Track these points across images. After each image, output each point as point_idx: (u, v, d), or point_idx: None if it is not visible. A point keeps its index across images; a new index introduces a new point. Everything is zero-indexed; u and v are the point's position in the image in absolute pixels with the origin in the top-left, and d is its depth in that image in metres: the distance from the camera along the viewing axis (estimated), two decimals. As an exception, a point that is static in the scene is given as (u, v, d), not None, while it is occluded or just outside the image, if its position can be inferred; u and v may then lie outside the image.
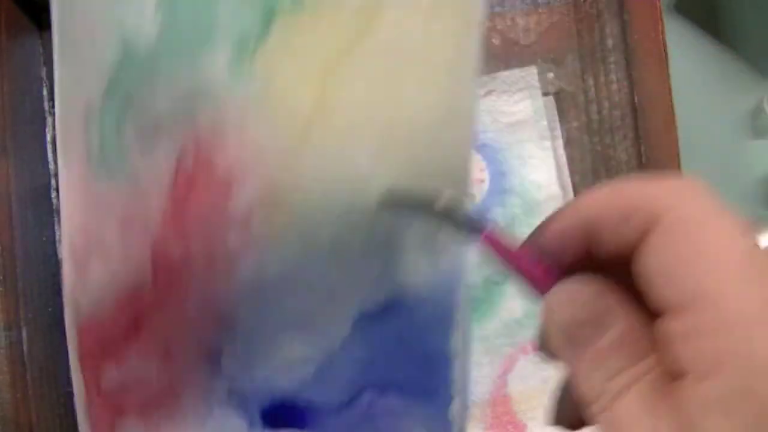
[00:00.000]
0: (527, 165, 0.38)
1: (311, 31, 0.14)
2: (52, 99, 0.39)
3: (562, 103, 0.39)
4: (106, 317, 0.17)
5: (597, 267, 0.16)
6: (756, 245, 0.13)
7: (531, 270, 0.17)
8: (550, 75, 0.39)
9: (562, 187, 0.38)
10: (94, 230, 0.17)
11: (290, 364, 0.15)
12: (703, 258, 0.13)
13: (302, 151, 0.15)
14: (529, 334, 0.37)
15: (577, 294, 0.15)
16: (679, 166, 0.34)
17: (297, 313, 0.15)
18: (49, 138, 0.38)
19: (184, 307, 0.16)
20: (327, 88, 0.14)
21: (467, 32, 0.15)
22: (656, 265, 0.14)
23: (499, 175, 0.38)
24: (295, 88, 0.15)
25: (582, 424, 0.18)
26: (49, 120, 0.38)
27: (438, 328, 0.16)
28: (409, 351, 0.16)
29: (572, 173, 0.39)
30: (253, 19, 0.14)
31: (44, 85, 0.39)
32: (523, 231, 0.37)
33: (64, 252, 0.18)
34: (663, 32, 0.34)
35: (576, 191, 0.38)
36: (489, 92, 0.38)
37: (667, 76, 0.34)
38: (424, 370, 0.16)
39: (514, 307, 0.37)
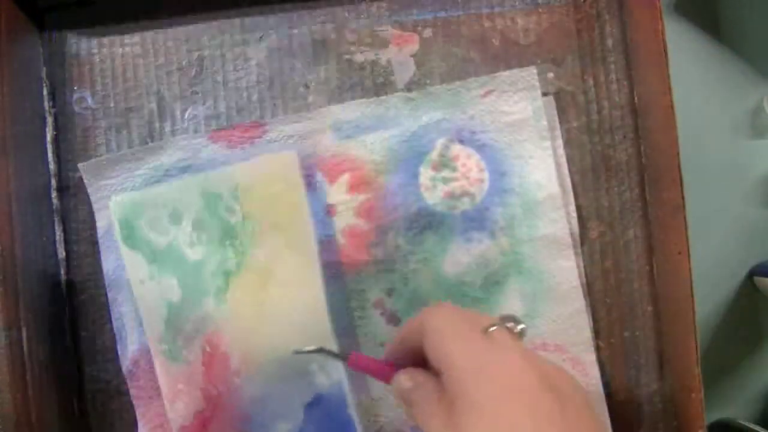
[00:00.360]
0: (527, 165, 0.38)
1: (247, 278, 0.29)
2: (52, 99, 0.39)
3: (562, 103, 0.39)
4: (188, 426, 0.31)
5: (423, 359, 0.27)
6: (470, 328, 0.25)
7: (379, 370, 0.28)
8: (550, 75, 0.39)
9: (562, 187, 0.38)
10: (174, 386, 0.30)
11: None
12: (443, 347, 0.25)
13: (255, 337, 0.30)
14: (529, 334, 0.37)
15: (405, 375, 0.27)
16: (679, 166, 0.34)
17: (277, 408, 0.30)
18: (49, 138, 0.38)
19: (223, 419, 0.30)
20: (260, 302, 0.30)
21: (312, 271, 0.31)
22: (428, 353, 0.26)
23: (499, 175, 0.38)
24: (247, 306, 0.30)
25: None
26: (49, 120, 0.38)
27: (341, 407, 0.30)
28: (330, 420, 0.30)
29: (572, 173, 0.39)
30: (221, 281, 0.30)
31: (44, 85, 0.39)
32: (522, 231, 0.38)
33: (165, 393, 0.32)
34: (663, 32, 0.34)
35: (576, 191, 0.39)
36: (489, 92, 0.38)
37: (667, 76, 0.34)
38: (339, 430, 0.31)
39: (514, 307, 0.37)
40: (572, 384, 0.25)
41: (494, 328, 0.26)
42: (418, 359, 0.27)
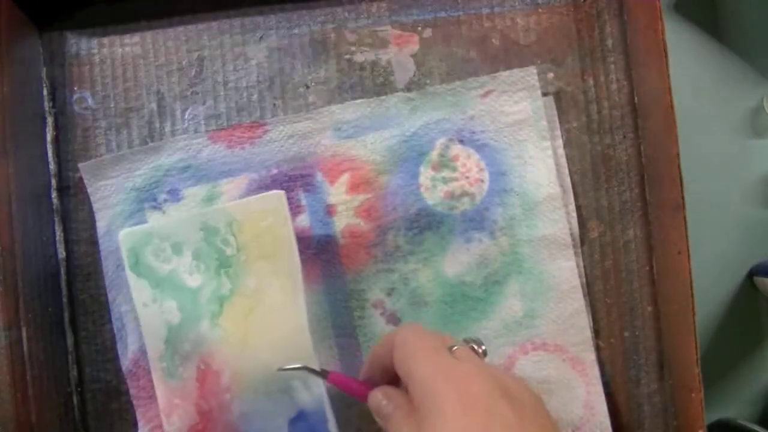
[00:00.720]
0: (527, 165, 0.38)
1: (238, 303, 0.33)
2: (52, 99, 0.39)
3: (562, 103, 0.39)
4: None
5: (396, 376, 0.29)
6: (435, 345, 0.28)
7: (356, 388, 0.31)
8: (550, 75, 0.39)
9: (562, 187, 0.38)
10: (170, 401, 0.34)
11: None
12: (409, 359, 0.27)
13: (243, 354, 0.33)
14: (529, 334, 0.37)
15: (379, 392, 0.30)
16: (679, 166, 0.34)
17: (263, 423, 0.34)
18: (49, 138, 0.38)
19: (213, 430, 0.34)
20: (248, 324, 0.33)
21: (297, 297, 0.34)
22: (396, 367, 0.28)
23: (499, 175, 0.38)
24: (237, 328, 0.33)
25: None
26: (49, 120, 0.38)
27: (322, 422, 0.33)
28: None
29: (572, 173, 0.39)
30: (216, 306, 0.34)
31: (44, 85, 0.39)
32: (522, 231, 0.38)
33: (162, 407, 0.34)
34: (663, 32, 0.34)
35: (576, 191, 0.39)
36: (489, 92, 0.38)
37: (667, 76, 0.34)
38: None
39: (514, 307, 0.37)
40: (529, 394, 0.27)
41: (456, 347, 0.28)
42: (392, 378, 0.30)
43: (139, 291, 0.34)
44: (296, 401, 0.33)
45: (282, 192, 0.34)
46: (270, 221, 0.34)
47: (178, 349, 0.34)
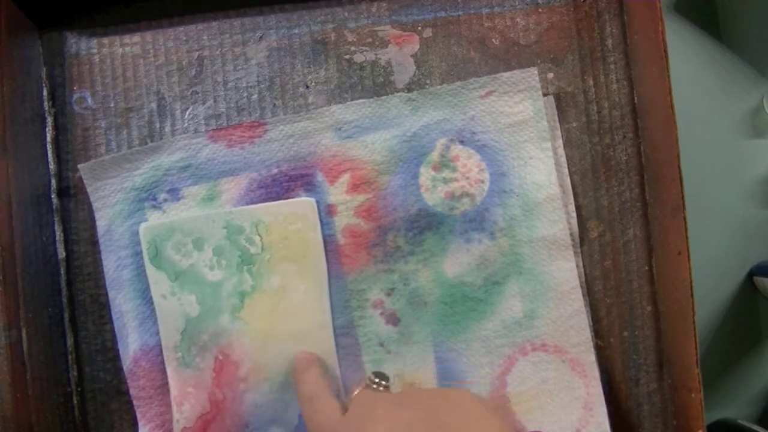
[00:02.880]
0: (527, 165, 0.38)
1: (261, 299, 0.34)
2: (52, 99, 0.39)
3: (562, 103, 0.39)
4: (190, 429, 0.35)
5: None
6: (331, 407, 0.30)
7: None
8: (550, 75, 0.39)
9: (562, 188, 0.38)
10: (183, 389, 0.34)
11: None
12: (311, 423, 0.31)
13: (265, 348, 0.34)
14: (528, 334, 0.37)
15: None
16: (679, 166, 0.34)
17: (274, 413, 0.34)
18: (49, 138, 0.38)
19: (224, 422, 0.34)
20: (272, 320, 0.34)
21: (321, 299, 0.35)
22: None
23: (499, 175, 0.38)
24: (259, 322, 0.34)
25: None
26: (49, 120, 0.38)
27: None
28: None
29: (572, 173, 0.39)
30: (237, 300, 0.34)
31: (44, 85, 0.39)
32: (522, 231, 0.38)
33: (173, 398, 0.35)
34: (663, 32, 0.34)
35: (576, 191, 0.39)
36: (489, 93, 0.38)
37: (667, 76, 0.34)
38: None
39: (514, 307, 0.37)
40: (459, 405, 0.28)
41: (356, 392, 0.31)
42: None
43: (157, 283, 0.35)
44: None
45: (313, 200, 0.35)
46: (299, 225, 0.35)
47: (195, 339, 0.34)
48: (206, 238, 0.35)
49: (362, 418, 0.28)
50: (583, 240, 0.38)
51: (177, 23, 0.39)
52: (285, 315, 0.34)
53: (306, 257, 0.35)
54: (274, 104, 0.39)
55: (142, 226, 0.35)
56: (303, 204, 0.35)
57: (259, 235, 0.35)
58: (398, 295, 0.37)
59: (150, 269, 0.35)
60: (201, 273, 0.35)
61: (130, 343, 0.37)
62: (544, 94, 0.38)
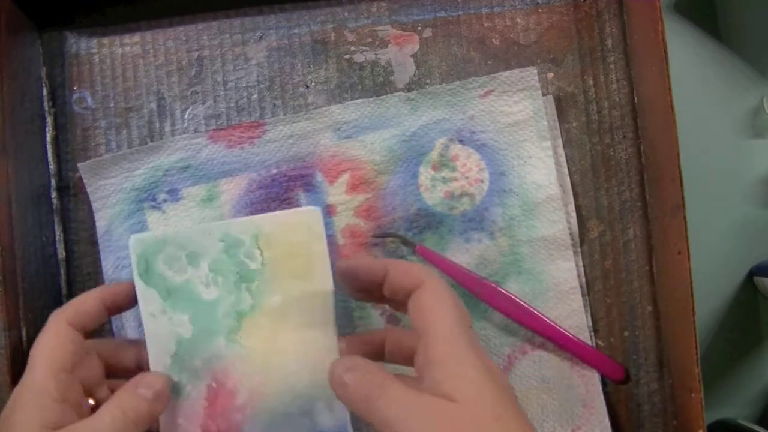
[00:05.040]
0: (527, 165, 0.38)
1: (260, 320, 0.31)
2: (52, 99, 0.39)
3: (562, 103, 0.39)
4: None
5: (381, 297, 0.30)
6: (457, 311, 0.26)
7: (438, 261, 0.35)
8: (550, 75, 0.39)
9: (562, 188, 0.38)
10: (173, 421, 0.31)
11: None
12: (431, 312, 0.26)
13: (265, 375, 0.31)
14: (528, 334, 0.37)
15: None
16: (679, 166, 0.34)
17: None
18: (49, 138, 0.38)
19: None
20: (272, 343, 0.31)
21: (327, 317, 0.31)
22: (415, 307, 0.27)
23: (498, 175, 0.38)
24: (258, 346, 0.31)
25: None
26: (49, 120, 0.38)
27: None
28: None
29: (572, 173, 0.39)
30: (234, 321, 0.31)
31: (44, 85, 0.39)
32: (522, 231, 0.37)
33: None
34: (663, 32, 0.34)
35: (576, 191, 0.39)
36: (488, 92, 0.38)
37: (667, 76, 0.34)
38: None
39: (514, 307, 0.37)
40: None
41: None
42: (372, 288, 0.30)
43: (147, 300, 0.31)
44: (317, 425, 0.31)
45: (318, 209, 0.32)
46: (303, 237, 0.31)
47: (186, 364, 0.31)
48: (202, 252, 0.31)
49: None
50: (583, 240, 0.38)
51: (177, 23, 0.39)
52: (286, 337, 0.31)
53: (310, 273, 0.31)
54: (274, 104, 0.39)
55: (132, 238, 0.31)
56: (306, 214, 0.32)
57: (259, 248, 0.31)
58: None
59: (139, 285, 0.31)
60: (195, 290, 0.31)
61: (130, 343, 0.37)
62: (544, 94, 0.38)
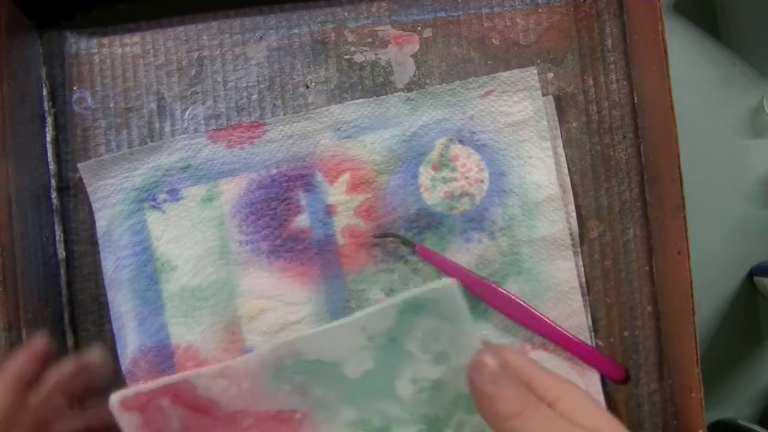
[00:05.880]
0: (527, 165, 0.38)
1: None
2: (52, 99, 0.39)
3: (562, 103, 0.39)
4: None
5: None
6: None
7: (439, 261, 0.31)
8: (550, 75, 0.39)
9: (562, 188, 0.38)
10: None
11: None
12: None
13: None
14: (528, 334, 0.37)
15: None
16: (678, 166, 0.34)
17: None
18: (49, 138, 0.38)
19: None
20: None
21: None
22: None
23: (498, 175, 0.38)
24: None
25: None
26: (48, 120, 0.38)
27: None
28: None
29: (572, 173, 0.39)
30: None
31: (44, 85, 0.39)
32: (522, 231, 0.37)
33: None
34: (663, 32, 0.34)
35: (575, 191, 0.39)
36: (488, 92, 0.38)
37: (667, 76, 0.34)
38: None
39: (514, 307, 0.37)
40: None
41: None
42: None
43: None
44: None
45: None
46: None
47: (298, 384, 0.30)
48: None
49: None
50: (583, 240, 0.38)
51: (177, 23, 0.39)
52: None
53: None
54: (274, 104, 0.39)
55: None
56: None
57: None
58: (398, 294, 0.37)
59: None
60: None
61: (129, 344, 0.37)
62: (544, 94, 0.38)
